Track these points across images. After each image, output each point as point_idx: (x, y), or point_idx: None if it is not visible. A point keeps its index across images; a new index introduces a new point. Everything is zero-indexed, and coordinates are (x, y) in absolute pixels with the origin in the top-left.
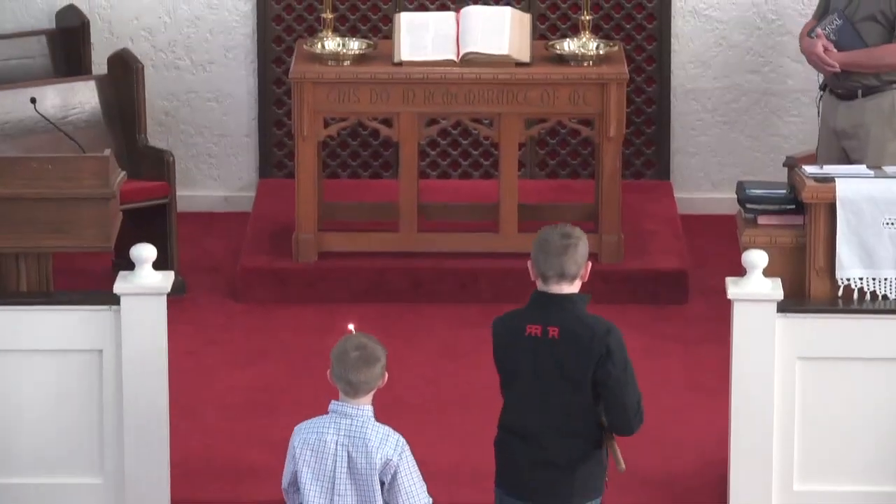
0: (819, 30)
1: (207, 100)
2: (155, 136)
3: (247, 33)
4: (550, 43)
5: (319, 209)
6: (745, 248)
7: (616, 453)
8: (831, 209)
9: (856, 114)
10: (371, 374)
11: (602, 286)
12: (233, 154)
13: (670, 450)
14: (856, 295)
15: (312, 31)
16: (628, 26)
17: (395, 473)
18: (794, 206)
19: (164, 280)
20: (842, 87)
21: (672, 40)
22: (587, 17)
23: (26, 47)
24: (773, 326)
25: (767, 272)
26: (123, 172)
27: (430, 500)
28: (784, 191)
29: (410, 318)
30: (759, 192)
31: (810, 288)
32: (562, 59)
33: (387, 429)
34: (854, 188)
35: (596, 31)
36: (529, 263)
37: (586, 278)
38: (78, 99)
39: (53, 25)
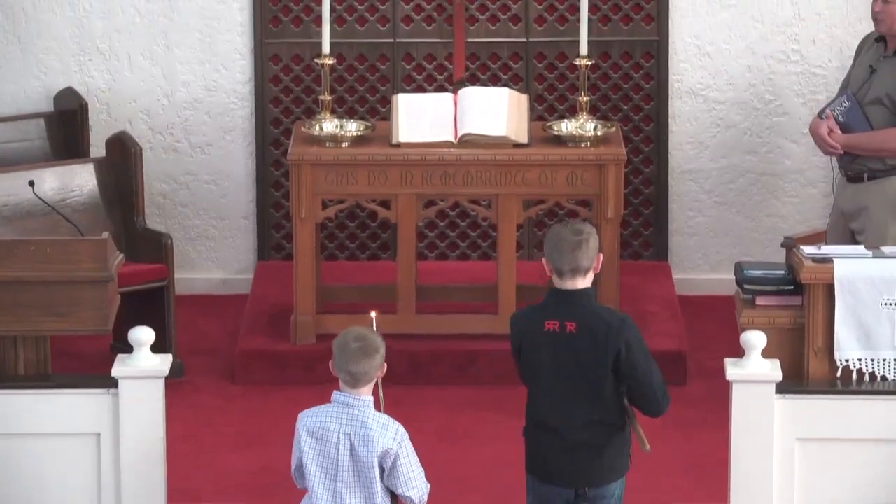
0: (828, 110)
1: (206, 182)
2: (153, 219)
3: (245, 115)
4: (548, 124)
5: (318, 291)
6: (744, 329)
7: (640, 435)
8: (829, 290)
9: (861, 196)
10: (371, 364)
11: None
12: (231, 236)
13: None
14: (855, 376)
15: (310, 113)
16: (626, 107)
17: (395, 460)
18: (792, 287)
19: (163, 363)
20: (849, 169)
21: (670, 121)
22: (585, 98)
23: (25, 130)
24: (771, 408)
25: (766, 353)
26: (121, 255)
27: (429, 485)
28: (782, 271)
29: (409, 400)
30: (757, 272)
31: (809, 369)
32: (560, 140)
33: (387, 418)
34: (852, 269)
35: (594, 111)
36: (544, 260)
37: (598, 270)
38: (76, 182)
39: (52, 108)
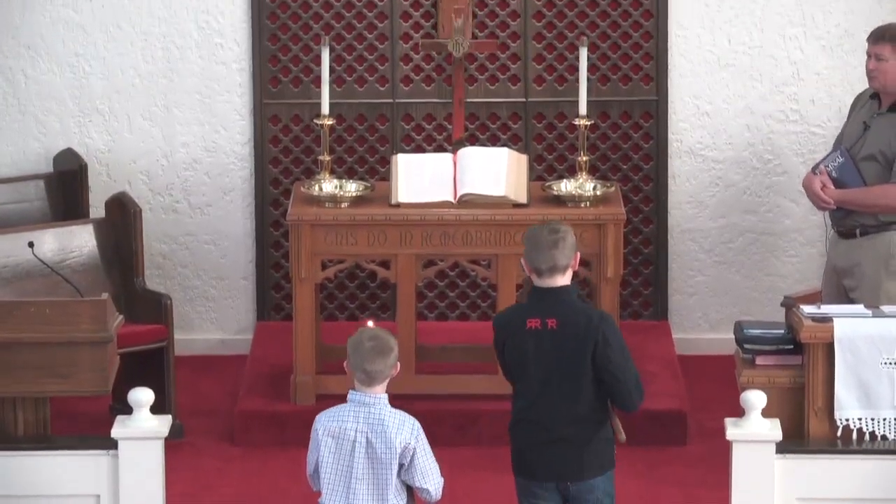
0: (822, 166)
1: (205, 242)
2: (152, 280)
3: (244, 176)
4: (547, 184)
5: (317, 351)
6: (744, 389)
7: (617, 426)
8: (829, 349)
9: (853, 253)
10: (385, 363)
11: None
12: (230, 297)
13: None
14: (855, 435)
15: (310, 174)
16: (625, 167)
17: (413, 455)
18: (792, 347)
19: (162, 424)
20: (842, 225)
21: (669, 180)
22: (584, 158)
23: (24, 191)
24: (772, 467)
25: (766, 412)
26: (121, 316)
27: (443, 479)
28: (782, 331)
29: None
30: (756, 332)
31: (809, 428)
32: (559, 200)
33: (403, 414)
34: (852, 328)
35: (593, 171)
36: (522, 261)
37: (576, 268)
38: (76, 242)
39: (51, 169)
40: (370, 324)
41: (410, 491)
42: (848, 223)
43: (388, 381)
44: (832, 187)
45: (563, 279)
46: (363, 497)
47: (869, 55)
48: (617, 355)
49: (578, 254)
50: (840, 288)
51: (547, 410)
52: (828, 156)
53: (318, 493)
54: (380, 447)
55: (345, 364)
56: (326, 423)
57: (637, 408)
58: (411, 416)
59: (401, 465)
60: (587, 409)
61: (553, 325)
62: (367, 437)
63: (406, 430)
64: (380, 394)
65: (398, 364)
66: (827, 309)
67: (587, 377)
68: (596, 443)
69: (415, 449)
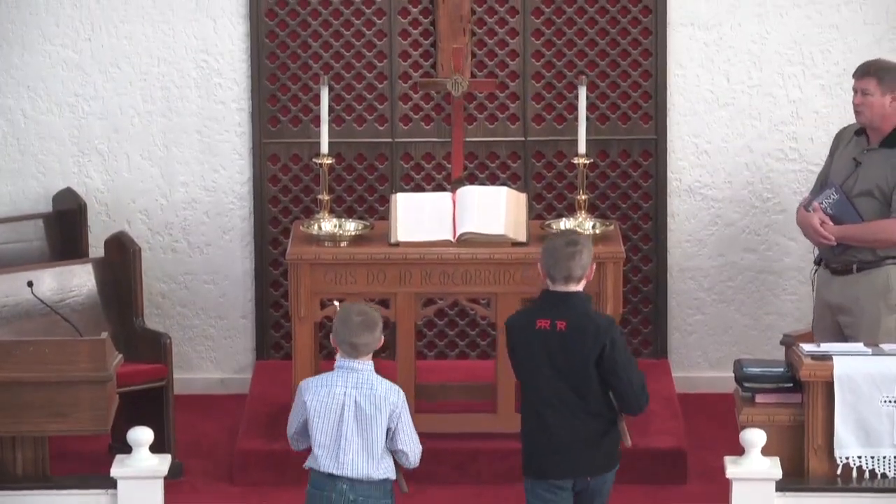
0: (816, 203)
1: (204, 282)
2: (152, 319)
3: (243, 215)
4: (547, 222)
5: None
6: (744, 427)
7: (623, 430)
8: (829, 387)
9: (850, 289)
10: (372, 337)
11: None
12: (230, 336)
13: None
14: (855, 473)
15: (309, 213)
16: (624, 205)
17: (399, 420)
18: (791, 385)
19: (161, 463)
20: (837, 261)
21: (668, 219)
22: (583, 197)
23: (23, 231)
24: None
25: (766, 451)
26: (120, 355)
27: (421, 447)
28: (781, 369)
29: (409, 500)
30: (756, 370)
31: (809, 466)
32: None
33: (389, 381)
34: (852, 366)
35: (592, 210)
36: (539, 265)
37: (591, 278)
38: (75, 282)
39: (50, 209)
40: (336, 303)
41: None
42: (844, 259)
43: (371, 353)
44: (831, 223)
45: (577, 287)
46: (353, 457)
47: (855, 90)
48: (622, 357)
49: (594, 265)
50: (834, 325)
51: (555, 410)
52: (820, 193)
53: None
54: (369, 409)
55: (331, 336)
56: (315, 389)
57: (643, 410)
58: (396, 384)
59: (388, 429)
60: (595, 407)
61: (562, 328)
62: (355, 401)
63: (394, 395)
64: (367, 361)
65: (382, 338)
66: (826, 347)
67: (593, 379)
68: (605, 441)
69: (400, 415)
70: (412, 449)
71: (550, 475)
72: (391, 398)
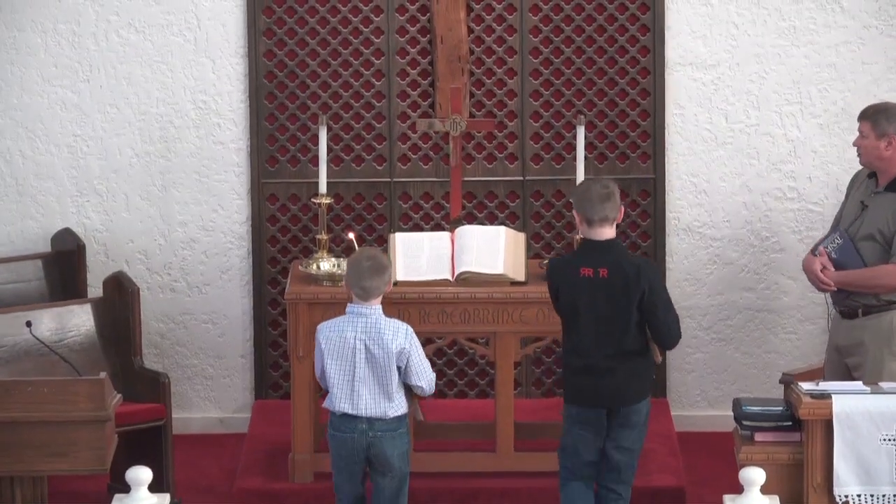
0: (821, 247)
1: (203, 321)
2: (150, 358)
3: (242, 255)
4: (545, 261)
5: (315, 429)
6: (743, 466)
7: (654, 349)
8: (828, 426)
9: (856, 332)
10: (381, 280)
11: None
12: (228, 375)
13: None
14: None
15: (307, 252)
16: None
17: (409, 358)
18: (790, 423)
19: (160, 503)
20: (844, 305)
21: (667, 258)
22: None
23: (22, 271)
24: None
25: (765, 489)
26: (119, 395)
27: (434, 375)
28: (780, 408)
29: None
30: (755, 409)
31: None
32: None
33: (396, 321)
34: (851, 404)
35: None
36: (574, 212)
37: (620, 221)
38: (73, 322)
39: (49, 249)
40: (350, 236)
41: (408, 389)
42: (849, 303)
43: (381, 295)
44: (832, 269)
45: (611, 231)
46: (367, 396)
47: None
48: (661, 298)
49: (623, 208)
50: (843, 367)
51: (596, 347)
52: (827, 236)
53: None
54: (378, 352)
55: (343, 282)
56: (327, 333)
57: (676, 345)
58: (404, 322)
59: (398, 368)
60: (631, 344)
61: (604, 274)
62: (365, 344)
63: (401, 336)
64: (376, 305)
65: (391, 281)
66: (825, 386)
67: (633, 318)
68: (639, 372)
69: (409, 352)
70: (425, 380)
71: (591, 403)
72: (398, 340)
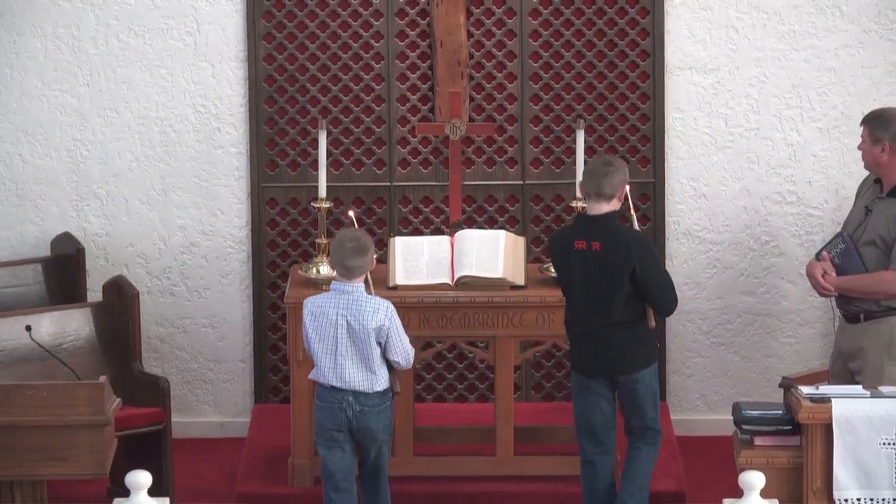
0: (824, 252)
1: (203, 326)
2: (150, 363)
3: (242, 259)
4: (545, 266)
5: (314, 434)
6: (742, 469)
7: (650, 315)
8: (828, 430)
9: (857, 337)
10: (364, 260)
11: None
12: (228, 380)
13: None
14: None
15: (307, 257)
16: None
17: (388, 334)
18: (790, 427)
19: None
20: (846, 310)
21: (666, 262)
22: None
23: (21, 275)
24: None
25: (765, 493)
26: (118, 399)
27: (413, 350)
28: (780, 411)
29: None
30: (755, 412)
31: None
32: (556, 282)
33: (377, 299)
34: (850, 408)
35: None
36: (578, 184)
37: (622, 200)
38: (73, 326)
39: (49, 253)
40: (351, 213)
41: (389, 364)
42: (851, 308)
43: (365, 275)
44: (833, 274)
45: (607, 206)
46: (349, 368)
47: None
48: (655, 271)
49: (626, 187)
50: (846, 371)
51: (593, 318)
52: (830, 241)
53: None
54: (358, 328)
55: (328, 261)
56: (312, 309)
57: (673, 312)
58: (385, 300)
59: (379, 343)
60: (626, 315)
61: (597, 247)
62: (347, 320)
63: (380, 314)
64: (358, 284)
65: (374, 261)
66: (825, 390)
67: (625, 290)
68: (637, 341)
69: (389, 329)
70: (402, 357)
71: (592, 374)
72: (378, 317)
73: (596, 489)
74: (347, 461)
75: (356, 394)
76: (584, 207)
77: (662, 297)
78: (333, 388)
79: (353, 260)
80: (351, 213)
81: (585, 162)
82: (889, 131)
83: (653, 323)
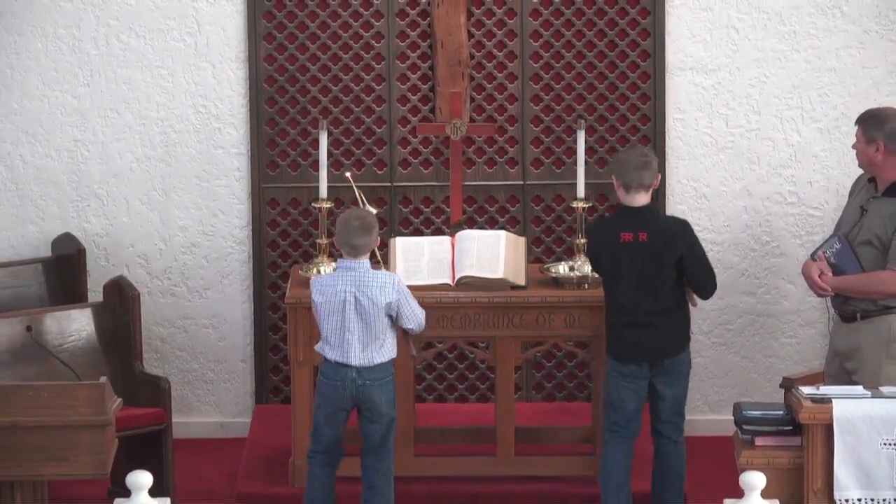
0: (820, 252)
1: (203, 326)
2: (151, 363)
3: (242, 259)
4: (545, 266)
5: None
6: (743, 470)
7: (691, 295)
8: (828, 430)
9: (854, 336)
10: (370, 238)
11: None
12: (228, 380)
13: None
14: None
15: (308, 257)
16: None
17: (399, 306)
18: (791, 427)
19: None
20: (842, 309)
21: None
22: (582, 241)
23: (22, 276)
24: None
25: (766, 493)
26: (119, 399)
27: (423, 311)
28: (781, 412)
29: None
30: (755, 413)
31: None
32: (557, 283)
33: (384, 273)
34: (851, 409)
35: None
36: (613, 177)
37: (657, 187)
38: (74, 326)
39: (49, 253)
40: (347, 174)
41: (402, 330)
42: (848, 308)
43: (369, 252)
44: (830, 274)
45: (646, 197)
46: (356, 345)
47: None
48: (699, 255)
49: (659, 175)
50: (843, 370)
51: (638, 306)
52: (826, 241)
53: None
54: (366, 303)
55: (334, 239)
56: (320, 287)
57: (712, 294)
58: (391, 274)
59: (389, 317)
60: (670, 300)
61: (644, 238)
62: (355, 296)
63: (389, 288)
64: (364, 260)
65: (378, 239)
66: (826, 390)
67: (671, 277)
68: (678, 326)
69: (399, 301)
70: (416, 323)
71: (635, 358)
72: (386, 293)
73: (619, 462)
74: (339, 436)
75: (359, 369)
76: (585, 207)
77: (706, 279)
78: (338, 363)
79: (359, 238)
80: (347, 174)
81: (619, 153)
82: (883, 131)
83: (696, 302)
